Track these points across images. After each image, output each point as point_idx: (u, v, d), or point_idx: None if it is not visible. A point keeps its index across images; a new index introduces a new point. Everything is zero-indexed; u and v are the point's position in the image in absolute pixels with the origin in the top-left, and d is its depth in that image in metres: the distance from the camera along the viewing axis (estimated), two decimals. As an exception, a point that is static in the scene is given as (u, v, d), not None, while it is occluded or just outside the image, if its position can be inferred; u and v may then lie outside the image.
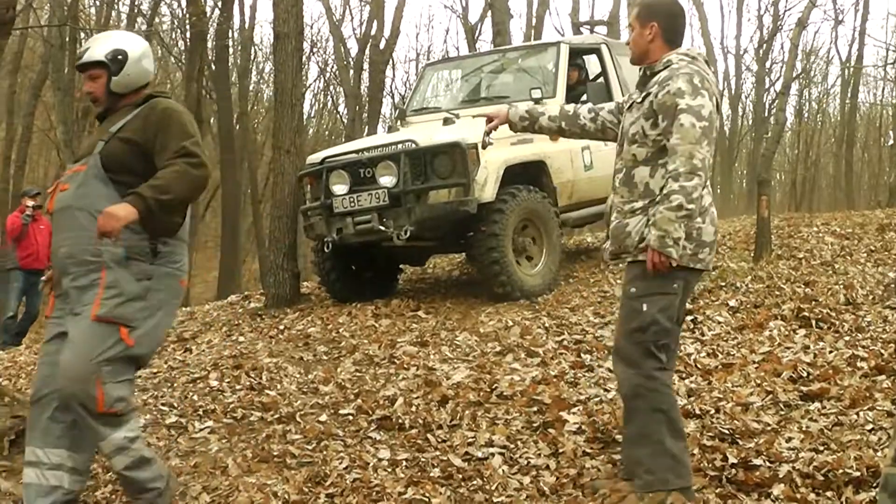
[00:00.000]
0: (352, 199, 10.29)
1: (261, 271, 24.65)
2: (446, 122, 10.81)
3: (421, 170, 10.15)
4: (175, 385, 7.77)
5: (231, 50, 31.01)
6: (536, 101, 10.56)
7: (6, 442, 6.12)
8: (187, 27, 27.78)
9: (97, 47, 5.19)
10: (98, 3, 32.18)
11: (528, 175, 10.64)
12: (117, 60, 5.11)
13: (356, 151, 10.84)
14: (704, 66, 4.84)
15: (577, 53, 12.61)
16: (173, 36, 32.75)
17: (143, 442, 5.00)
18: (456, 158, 10.00)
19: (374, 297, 10.86)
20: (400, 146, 10.30)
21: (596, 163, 11.57)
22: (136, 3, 31.52)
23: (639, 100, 4.96)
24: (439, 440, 5.90)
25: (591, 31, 34.49)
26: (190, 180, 4.85)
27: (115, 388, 4.77)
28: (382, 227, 10.01)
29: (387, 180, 10.12)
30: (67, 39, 25.19)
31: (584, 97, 12.07)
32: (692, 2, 34.35)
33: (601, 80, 12.51)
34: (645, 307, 4.76)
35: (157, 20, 31.00)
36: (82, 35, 28.43)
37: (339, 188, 10.44)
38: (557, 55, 11.96)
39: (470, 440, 5.81)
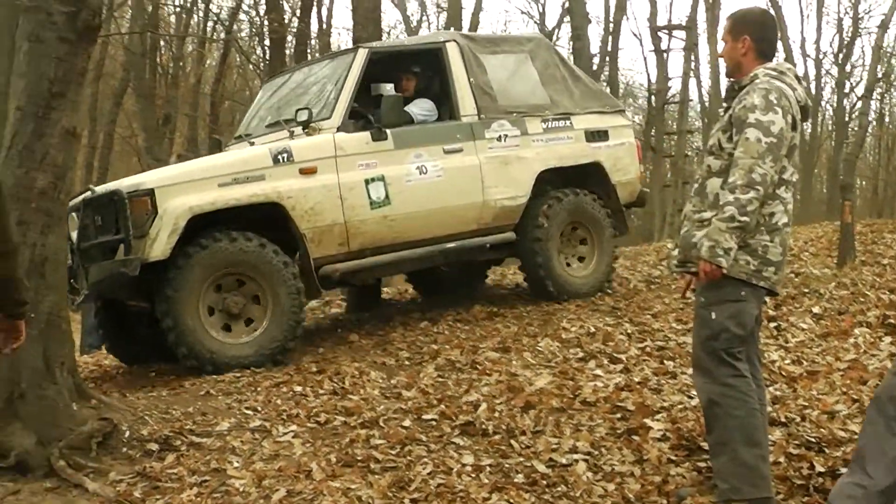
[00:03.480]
0: (70, 250, 8.43)
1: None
2: (179, 158, 9.83)
3: (109, 222, 8.52)
4: (258, 389, 7.81)
5: (309, 56, 31.27)
6: (304, 125, 9.25)
7: (94, 443, 6.23)
8: (265, 34, 28.03)
9: None
10: (177, 10, 32.57)
11: (260, 221, 8.82)
12: None
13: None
14: (792, 81, 4.84)
15: (398, 58, 10.55)
16: (252, 43, 33.05)
17: None
18: (118, 209, 8.34)
19: (157, 360, 9.22)
20: (82, 195, 8.81)
21: (397, 196, 9.39)
22: (215, 10, 31.92)
23: (722, 112, 4.97)
24: (523, 446, 5.90)
25: (670, 36, 34.43)
26: None
27: None
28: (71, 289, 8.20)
29: (74, 234, 8.55)
30: (149, 47, 25.57)
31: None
32: (770, 4, 33.93)
33: (396, 90, 10.15)
34: (714, 315, 4.78)
35: (235, 27, 31.33)
36: (162, 42, 28.86)
37: (72, 234, 8.59)
38: (349, 65, 9.74)
39: (554, 446, 5.81)
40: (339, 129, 9.31)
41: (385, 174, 9.34)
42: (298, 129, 9.31)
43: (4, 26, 7.34)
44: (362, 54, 9.73)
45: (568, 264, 10.57)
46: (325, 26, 32.54)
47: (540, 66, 10.90)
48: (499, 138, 10.14)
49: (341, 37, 57.03)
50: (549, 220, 10.27)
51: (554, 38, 37.88)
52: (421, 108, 10.21)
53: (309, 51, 31.09)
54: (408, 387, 7.44)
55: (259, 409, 7.20)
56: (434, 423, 6.50)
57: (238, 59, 35.77)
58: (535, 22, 39.90)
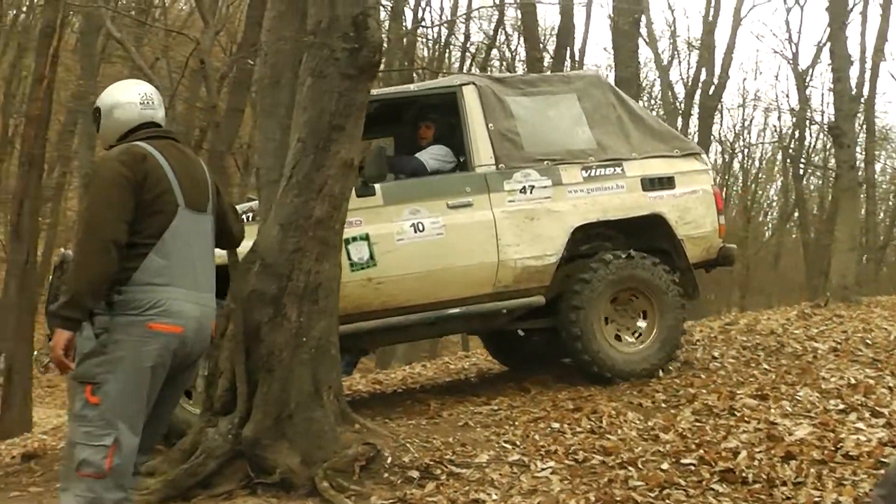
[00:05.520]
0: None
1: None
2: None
3: None
4: (516, 423, 7.96)
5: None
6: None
7: (357, 467, 6.48)
8: (517, 70, 28.45)
9: None
10: (432, 44, 33.46)
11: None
12: (95, 118, 5.11)
13: None
14: None
15: (413, 106, 9.94)
16: (504, 78, 33.57)
17: None
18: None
19: None
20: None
21: (384, 257, 8.59)
22: (468, 45, 32.62)
23: None
24: (784, 497, 5.85)
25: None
26: (81, 275, 4.56)
27: (84, 450, 4.56)
28: None
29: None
30: (404, 80, 26.41)
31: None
32: None
33: (383, 143, 8.88)
34: None
35: (488, 63, 31.92)
36: (415, 75, 29.81)
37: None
38: None
39: (816, 499, 5.74)
40: None
41: (370, 233, 8.57)
42: None
43: (287, 62, 7.73)
44: None
45: (624, 335, 9.43)
46: (577, 63, 32.79)
47: (589, 107, 9.61)
48: (522, 190, 9.06)
49: (593, 73, 57.20)
50: (590, 284, 9.07)
51: (808, 78, 37.27)
52: (433, 154, 9.43)
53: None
54: (665, 429, 7.44)
55: (517, 443, 7.34)
56: (693, 467, 6.48)
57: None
58: (789, 62, 39.19)
